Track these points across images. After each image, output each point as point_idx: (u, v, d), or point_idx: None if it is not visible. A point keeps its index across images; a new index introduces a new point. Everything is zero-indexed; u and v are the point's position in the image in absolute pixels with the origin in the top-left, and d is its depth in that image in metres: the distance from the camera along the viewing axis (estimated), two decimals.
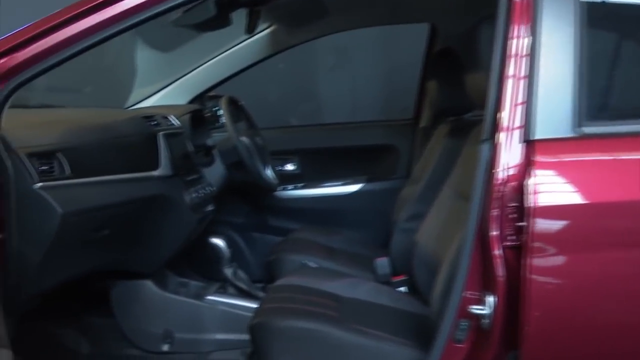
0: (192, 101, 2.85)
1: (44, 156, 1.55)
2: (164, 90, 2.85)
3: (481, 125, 1.89)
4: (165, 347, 2.16)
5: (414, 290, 2.06)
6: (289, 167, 2.98)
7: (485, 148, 1.38)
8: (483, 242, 1.37)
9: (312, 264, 2.26)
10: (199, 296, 2.24)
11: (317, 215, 2.91)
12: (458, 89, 2.10)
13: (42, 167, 1.53)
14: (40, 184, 1.49)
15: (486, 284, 1.37)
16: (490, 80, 1.40)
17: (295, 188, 2.95)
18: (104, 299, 2.20)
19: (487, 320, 1.34)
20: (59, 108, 2.27)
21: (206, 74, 2.86)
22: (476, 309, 1.36)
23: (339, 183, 2.95)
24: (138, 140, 2.01)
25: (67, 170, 1.59)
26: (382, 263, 2.23)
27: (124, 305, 2.18)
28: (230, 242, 2.84)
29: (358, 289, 1.97)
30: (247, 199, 2.94)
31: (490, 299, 1.33)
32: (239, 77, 2.88)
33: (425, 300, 1.85)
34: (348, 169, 2.99)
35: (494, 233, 1.32)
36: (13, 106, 2.02)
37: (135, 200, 1.89)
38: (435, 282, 1.64)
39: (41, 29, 1.48)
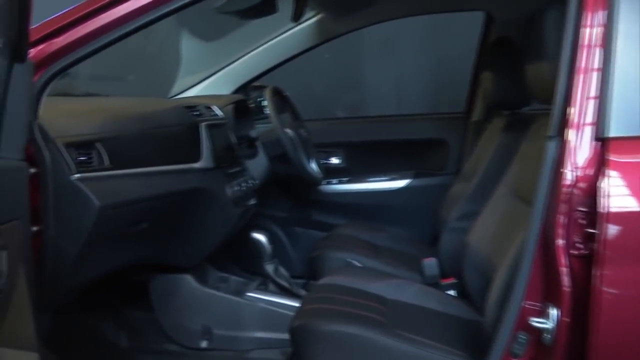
0: (236, 91, 2.80)
1: (83, 146, 1.50)
2: (208, 80, 2.80)
3: (541, 120, 1.79)
4: (204, 344, 2.11)
5: (463, 295, 1.96)
6: (334, 160, 2.89)
7: (552, 146, 1.27)
8: (546, 249, 1.25)
9: (356, 263, 2.17)
10: (239, 292, 2.18)
11: (361, 210, 2.82)
12: (515, 80, 1.98)
13: (81, 158, 1.48)
14: (77, 175, 1.44)
15: (549, 295, 1.26)
16: (559, 72, 1.28)
17: (340, 182, 2.86)
18: (144, 293, 2.16)
19: (549, 335, 1.23)
20: (101, 97, 2.23)
21: (251, 64, 2.79)
22: (537, 322, 1.25)
23: (385, 178, 2.85)
24: (179, 131, 1.95)
25: (106, 161, 1.54)
26: (430, 264, 2.13)
27: (163, 300, 2.14)
28: (272, 236, 2.78)
29: (404, 291, 1.88)
30: (290, 193, 2.87)
31: (554, 312, 1.22)
32: (284, 67, 2.80)
33: (477, 305, 1.75)
34: (395, 164, 2.88)
35: (560, 239, 1.21)
36: (56, 94, 2.00)
37: (175, 193, 1.83)
38: (489, 288, 1.53)
39: (81, 14, 1.43)
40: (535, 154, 1.55)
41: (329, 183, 2.83)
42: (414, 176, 2.83)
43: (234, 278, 2.28)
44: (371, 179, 2.85)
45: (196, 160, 1.97)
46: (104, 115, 1.69)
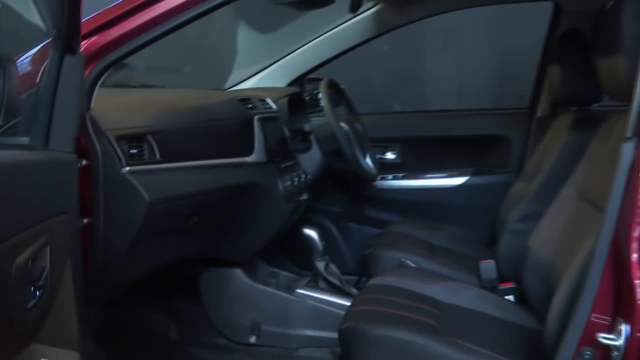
0: (291, 83, 2.76)
1: (134, 139, 1.48)
2: (264, 72, 2.77)
3: (614, 118, 1.67)
4: (253, 339, 2.09)
5: (522, 300, 1.86)
6: (389, 155, 2.82)
7: (629, 147, 1.16)
8: (618, 259, 1.16)
9: (410, 263, 2.09)
10: (289, 289, 2.14)
11: (417, 208, 2.74)
12: (585, 75, 1.87)
13: (132, 151, 1.46)
14: (128, 169, 1.42)
15: (619, 309, 1.16)
16: None
17: (395, 178, 2.78)
18: (195, 285, 2.16)
19: (618, 353, 1.13)
20: (156, 88, 2.22)
21: (307, 56, 2.75)
22: (605, 338, 1.15)
23: (443, 175, 2.76)
24: (232, 124, 1.92)
25: (158, 154, 1.52)
26: (488, 266, 2.03)
27: (212, 293, 2.12)
28: (325, 231, 2.74)
29: (460, 294, 1.80)
30: (344, 188, 2.82)
31: (625, 327, 1.12)
32: (341, 59, 2.74)
33: (537, 313, 1.66)
34: (453, 160, 2.78)
35: (635, 250, 1.11)
36: (113, 85, 2.00)
37: (226, 187, 1.80)
38: (552, 297, 1.44)
39: (134, 5, 1.41)
40: (607, 155, 1.45)
41: (383, 178, 2.76)
42: (473, 173, 2.72)
43: (284, 273, 2.24)
44: (428, 176, 2.76)
45: (249, 154, 1.93)
46: (156, 108, 1.68)
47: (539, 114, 2.64)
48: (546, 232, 1.80)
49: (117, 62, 1.43)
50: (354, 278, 2.55)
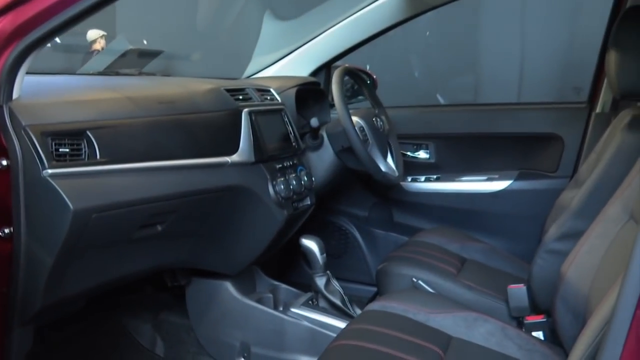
0: (316, 71, 2.48)
1: (67, 136, 1.26)
2: (287, 59, 2.52)
3: None
4: None
5: (553, 338, 1.53)
6: (422, 154, 2.49)
7: None
8: None
9: (422, 284, 1.78)
10: (284, 307, 1.88)
11: (452, 215, 2.41)
12: None
13: (62, 150, 1.24)
14: (50, 171, 1.20)
15: None
16: None
17: (428, 180, 2.47)
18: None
19: None
20: (131, 77, 1.98)
21: (334, 40, 2.47)
22: None
23: (482, 178, 2.41)
24: (214, 118, 1.67)
25: (98, 154, 1.29)
26: (517, 293, 1.70)
27: (199, 307, 1.90)
28: (347, 237, 2.48)
29: (476, 328, 1.51)
30: (370, 189, 2.52)
31: None
32: (382, 46, 2.44)
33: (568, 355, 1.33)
34: (494, 162, 2.43)
35: None
36: (101, 73, 1.78)
37: (199, 192, 1.56)
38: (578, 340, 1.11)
39: None
40: None
41: (414, 180, 2.46)
42: (518, 177, 2.36)
43: (284, 288, 1.98)
44: (465, 179, 2.44)
45: (233, 152, 1.68)
46: (109, 99, 1.44)
47: (598, 109, 2.24)
48: (584, 257, 1.46)
49: (44, 42, 1.20)
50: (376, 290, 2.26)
